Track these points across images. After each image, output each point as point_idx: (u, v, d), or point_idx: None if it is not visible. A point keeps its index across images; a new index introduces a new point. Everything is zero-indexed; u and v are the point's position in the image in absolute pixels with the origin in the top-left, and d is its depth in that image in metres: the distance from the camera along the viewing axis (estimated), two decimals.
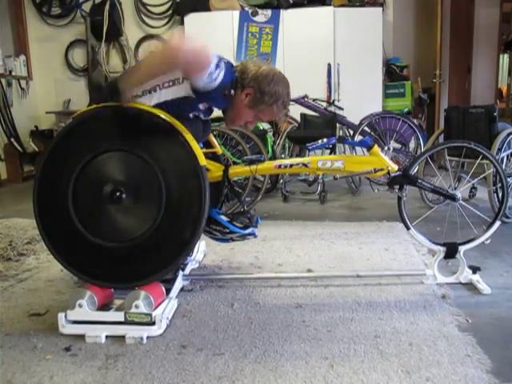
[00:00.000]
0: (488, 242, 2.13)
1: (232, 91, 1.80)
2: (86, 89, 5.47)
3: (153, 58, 1.70)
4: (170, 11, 5.63)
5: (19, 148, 5.27)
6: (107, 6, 5.45)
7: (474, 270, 2.07)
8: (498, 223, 2.07)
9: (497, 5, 6.42)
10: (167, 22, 5.67)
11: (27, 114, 5.61)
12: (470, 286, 2.02)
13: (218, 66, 1.67)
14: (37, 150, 5.40)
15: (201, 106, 1.82)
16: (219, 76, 1.68)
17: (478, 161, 2.49)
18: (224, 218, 1.95)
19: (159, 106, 1.72)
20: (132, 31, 5.72)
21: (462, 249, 2.05)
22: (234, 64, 1.87)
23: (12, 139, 5.24)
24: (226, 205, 2.29)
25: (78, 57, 5.84)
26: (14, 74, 5.38)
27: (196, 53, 1.62)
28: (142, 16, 5.69)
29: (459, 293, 1.97)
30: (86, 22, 5.53)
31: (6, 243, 2.74)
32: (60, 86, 5.88)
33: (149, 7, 5.68)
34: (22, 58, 5.59)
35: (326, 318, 1.77)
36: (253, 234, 1.98)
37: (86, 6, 5.63)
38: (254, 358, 1.50)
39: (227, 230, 1.95)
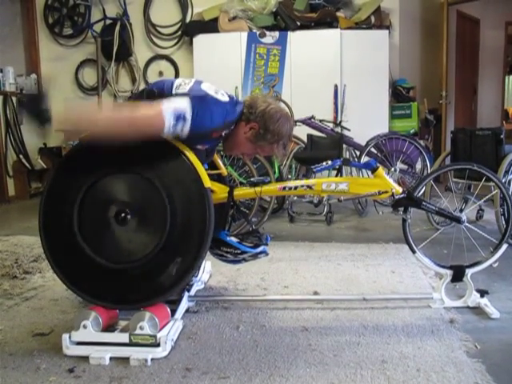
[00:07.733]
0: (496, 265, 2.11)
1: (225, 132, 1.84)
2: None
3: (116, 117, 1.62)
4: (179, 32, 5.72)
5: (27, 165, 5.33)
6: (118, 27, 5.55)
7: (482, 293, 2.05)
8: (504, 245, 2.05)
9: (502, 27, 6.50)
10: (176, 43, 5.76)
11: (36, 132, 5.65)
12: (478, 310, 2.00)
13: (178, 118, 1.61)
14: (45, 167, 5.46)
15: (199, 146, 1.83)
16: (185, 128, 1.63)
17: (482, 182, 2.48)
18: (234, 240, 1.95)
19: None
20: (141, 51, 5.80)
21: (469, 272, 2.03)
22: (243, 98, 1.90)
23: (21, 156, 5.30)
24: (233, 225, 2.29)
25: (88, 76, 5.92)
26: (25, 92, 5.45)
27: (146, 118, 1.59)
28: (152, 37, 5.79)
29: (467, 317, 1.94)
30: (97, 42, 5.63)
31: (12, 261, 2.75)
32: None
33: (158, 28, 5.77)
34: (33, 76, 5.67)
35: (333, 341, 1.75)
36: (264, 252, 1.97)
37: (97, 27, 5.74)
38: (260, 382, 1.48)
39: (239, 251, 1.94)
